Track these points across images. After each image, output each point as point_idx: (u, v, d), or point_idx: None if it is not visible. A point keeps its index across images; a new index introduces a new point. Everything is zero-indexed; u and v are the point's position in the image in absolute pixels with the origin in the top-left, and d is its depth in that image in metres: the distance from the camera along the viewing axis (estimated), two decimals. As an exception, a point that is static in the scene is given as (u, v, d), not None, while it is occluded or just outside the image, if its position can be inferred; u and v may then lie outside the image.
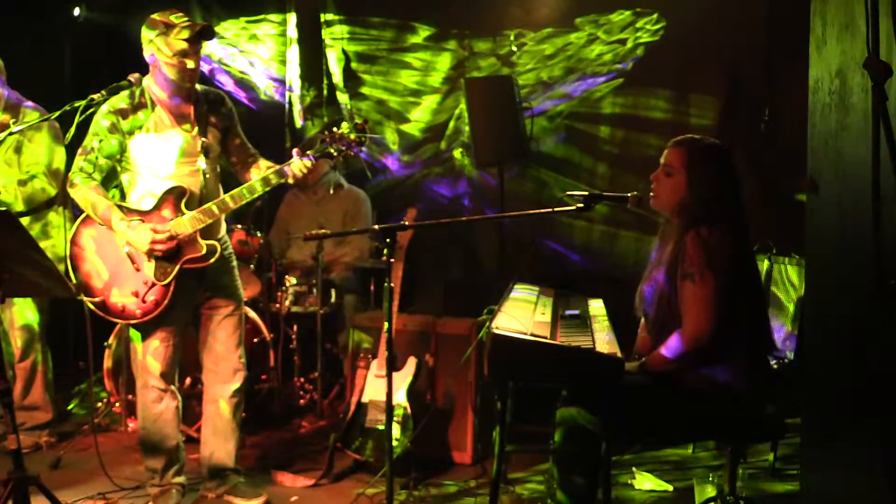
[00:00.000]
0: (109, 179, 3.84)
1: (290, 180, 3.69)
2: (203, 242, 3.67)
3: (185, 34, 3.56)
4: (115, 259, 3.70)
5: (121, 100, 3.66)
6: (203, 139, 3.73)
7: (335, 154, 3.66)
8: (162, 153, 3.70)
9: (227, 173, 3.97)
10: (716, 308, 2.95)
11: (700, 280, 2.95)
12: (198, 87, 3.80)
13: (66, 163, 4.50)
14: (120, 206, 3.68)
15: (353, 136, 3.64)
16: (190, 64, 3.60)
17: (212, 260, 3.69)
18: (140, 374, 3.84)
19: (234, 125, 3.90)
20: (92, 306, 3.71)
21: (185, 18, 3.61)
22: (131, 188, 3.76)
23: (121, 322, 3.78)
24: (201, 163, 3.72)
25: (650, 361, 3.08)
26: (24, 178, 4.50)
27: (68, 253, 3.75)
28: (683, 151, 3.15)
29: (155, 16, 3.62)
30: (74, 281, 3.71)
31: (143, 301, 3.67)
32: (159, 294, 3.66)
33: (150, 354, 3.77)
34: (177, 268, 3.65)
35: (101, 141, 3.67)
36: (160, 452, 3.85)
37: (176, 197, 3.67)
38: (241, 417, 3.97)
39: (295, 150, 3.68)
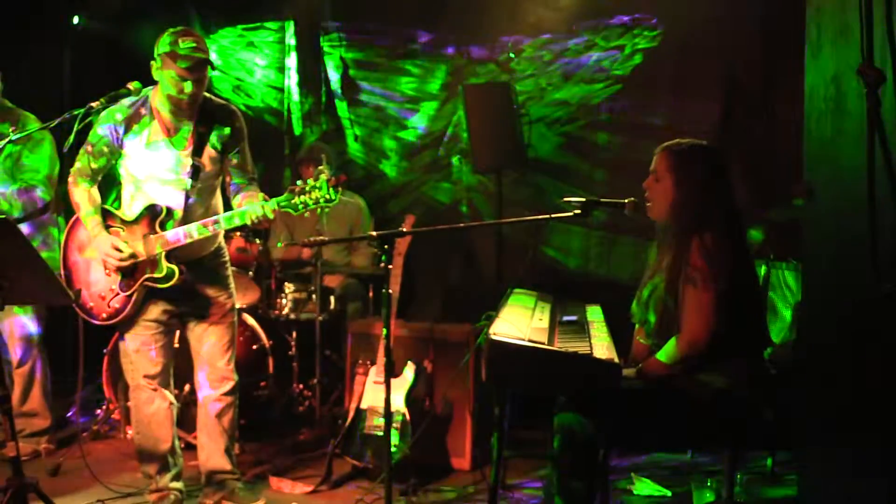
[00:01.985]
0: (112, 182, 3.90)
1: (249, 222, 3.54)
2: (165, 265, 3.66)
3: (186, 64, 3.50)
4: (96, 260, 3.76)
5: (120, 108, 3.67)
6: (196, 158, 3.70)
7: (300, 208, 3.49)
8: (151, 167, 3.71)
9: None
10: (715, 315, 2.97)
11: (702, 286, 2.97)
12: (213, 98, 3.80)
13: (62, 174, 4.53)
14: (108, 212, 3.76)
15: (320, 194, 3.46)
16: (187, 88, 3.56)
17: (170, 283, 3.67)
18: (130, 375, 3.86)
19: (236, 144, 3.80)
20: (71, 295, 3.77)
21: (192, 45, 3.51)
22: (126, 195, 3.80)
23: (88, 319, 3.81)
24: (188, 183, 3.70)
25: (647, 367, 3.09)
26: (23, 188, 4.51)
27: (62, 242, 3.85)
28: (667, 155, 3.19)
29: (170, 32, 3.56)
30: (61, 269, 3.82)
31: (108, 306, 3.73)
32: (121, 303, 3.72)
33: (136, 355, 3.81)
34: (137, 283, 3.69)
35: (97, 146, 3.71)
36: (155, 456, 3.86)
37: (153, 215, 3.68)
38: (233, 422, 3.96)
39: (262, 196, 3.61)
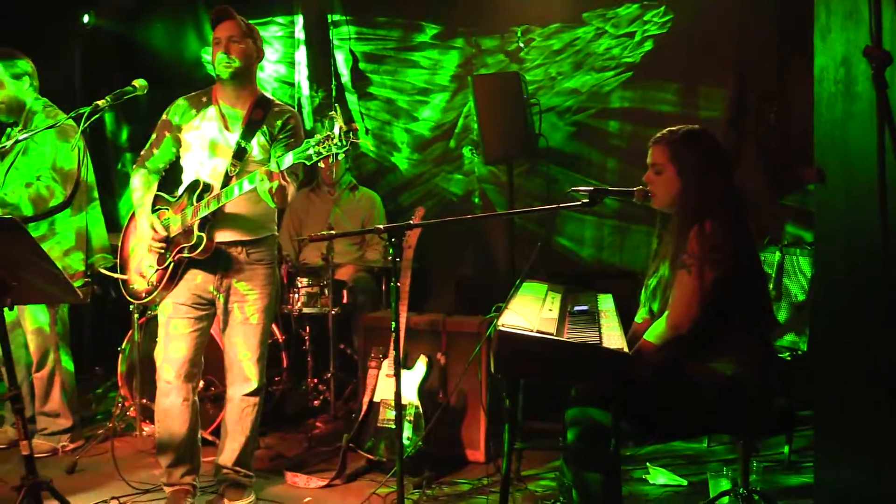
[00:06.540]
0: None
1: (264, 179, 3.47)
2: (196, 233, 3.71)
3: (215, 25, 3.76)
4: (143, 242, 3.88)
5: (183, 99, 3.88)
6: (244, 141, 3.75)
7: (314, 157, 3.37)
8: (201, 148, 3.82)
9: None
10: (701, 300, 2.97)
11: (695, 271, 2.97)
12: (274, 99, 3.93)
13: (77, 161, 4.54)
14: (159, 197, 3.89)
15: (335, 142, 3.30)
16: (222, 59, 3.72)
17: (198, 251, 3.69)
18: (157, 362, 3.92)
19: (285, 137, 3.80)
20: (120, 280, 4.01)
21: (219, 9, 3.81)
22: (183, 178, 3.90)
23: (132, 300, 3.98)
24: (230, 162, 3.73)
25: (641, 347, 3.10)
26: (30, 180, 4.51)
27: (122, 234, 4.05)
28: (665, 146, 3.18)
29: None
30: (118, 259, 4.06)
31: (148, 283, 3.85)
32: (157, 278, 3.81)
33: (164, 339, 3.86)
34: (170, 255, 3.77)
35: (155, 135, 3.90)
36: (168, 449, 3.87)
37: (191, 190, 3.76)
38: (254, 423, 3.94)
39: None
